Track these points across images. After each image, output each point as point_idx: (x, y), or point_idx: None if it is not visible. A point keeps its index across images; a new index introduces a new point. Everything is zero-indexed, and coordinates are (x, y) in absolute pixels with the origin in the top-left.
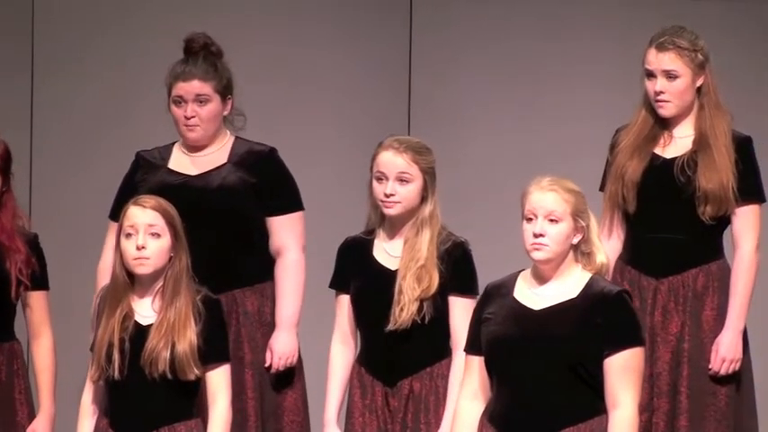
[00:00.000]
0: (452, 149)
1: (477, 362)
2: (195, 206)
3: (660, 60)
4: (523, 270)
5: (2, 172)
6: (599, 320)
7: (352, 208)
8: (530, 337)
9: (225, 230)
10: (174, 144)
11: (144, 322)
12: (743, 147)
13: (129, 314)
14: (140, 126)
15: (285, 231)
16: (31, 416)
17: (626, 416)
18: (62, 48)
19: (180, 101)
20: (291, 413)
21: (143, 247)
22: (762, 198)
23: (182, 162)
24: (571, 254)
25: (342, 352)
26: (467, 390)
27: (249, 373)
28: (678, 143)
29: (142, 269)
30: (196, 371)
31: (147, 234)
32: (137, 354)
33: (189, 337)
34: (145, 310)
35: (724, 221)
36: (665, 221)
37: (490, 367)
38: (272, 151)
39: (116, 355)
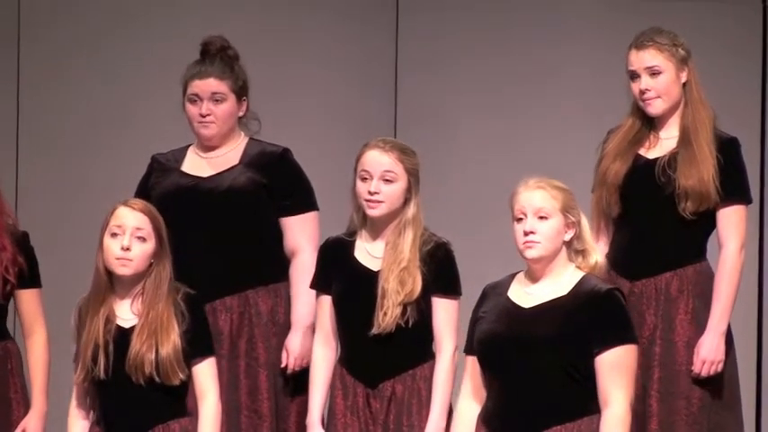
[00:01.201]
0: (439, 154)
1: (475, 362)
2: (205, 208)
3: (641, 59)
4: (520, 271)
5: None
6: (588, 318)
7: (336, 211)
8: (517, 335)
9: (235, 231)
10: (188, 147)
11: (125, 325)
12: (728, 147)
13: (110, 316)
14: (129, 127)
15: (298, 232)
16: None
17: (617, 414)
18: (48, 49)
19: (195, 99)
20: (298, 415)
21: (128, 249)
22: (747, 199)
23: (195, 164)
24: (564, 252)
25: (323, 354)
26: (466, 390)
27: (264, 374)
28: (663, 144)
29: (123, 270)
30: (181, 375)
31: (134, 237)
32: (121, 357)
33: (173, 340)
34: (125, 312)
35: (706, 223)
36: (646, 224)
37: (482, 365)
38: (285, 151)
39: (101, 357)
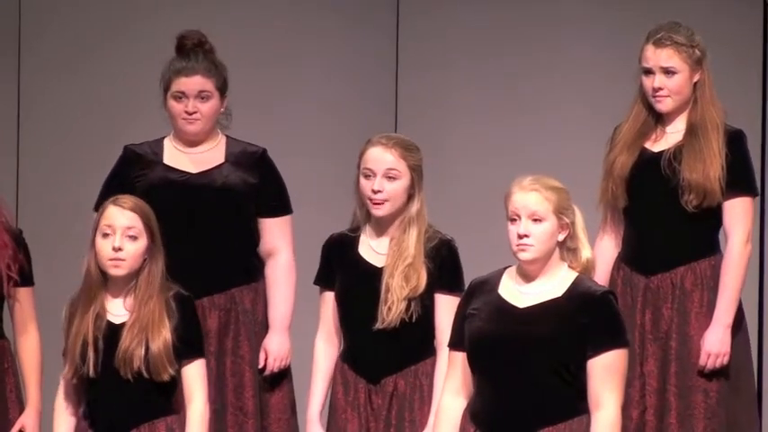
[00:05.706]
0: (439, 154)
1: (461, 358)
2: (198, 204)
3: (658, 57)
4: (509, 267)
5: None
6: (583, 321)
7: (336, 210)
8: (512, 334)
9: (225, 229)
10: (163, 139)
11: (116, 321)
12: (733, 139)
13: (101, 313)
14: (127, 123)
15: (278, 233)
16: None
17: (609, 417)
18: (49, 51)
19: (181, 96)
20: (278, 411)
21: (120, 249)
22: (752, 191)
23: (178, 159)
24: (557, 251)
25: (326, 350)
26: (450, 385)
27: (249, 372)
28: (669, 138)
29: (117, 271)
30: (170, 371)
31: (125, 236)
32: (110, 352)
33: (163, 336)
34: (117, 308)
35: (714, 217)
36: (653, 217)
37: (472, 363)
38: (265, 152)
39: (90, 354)
